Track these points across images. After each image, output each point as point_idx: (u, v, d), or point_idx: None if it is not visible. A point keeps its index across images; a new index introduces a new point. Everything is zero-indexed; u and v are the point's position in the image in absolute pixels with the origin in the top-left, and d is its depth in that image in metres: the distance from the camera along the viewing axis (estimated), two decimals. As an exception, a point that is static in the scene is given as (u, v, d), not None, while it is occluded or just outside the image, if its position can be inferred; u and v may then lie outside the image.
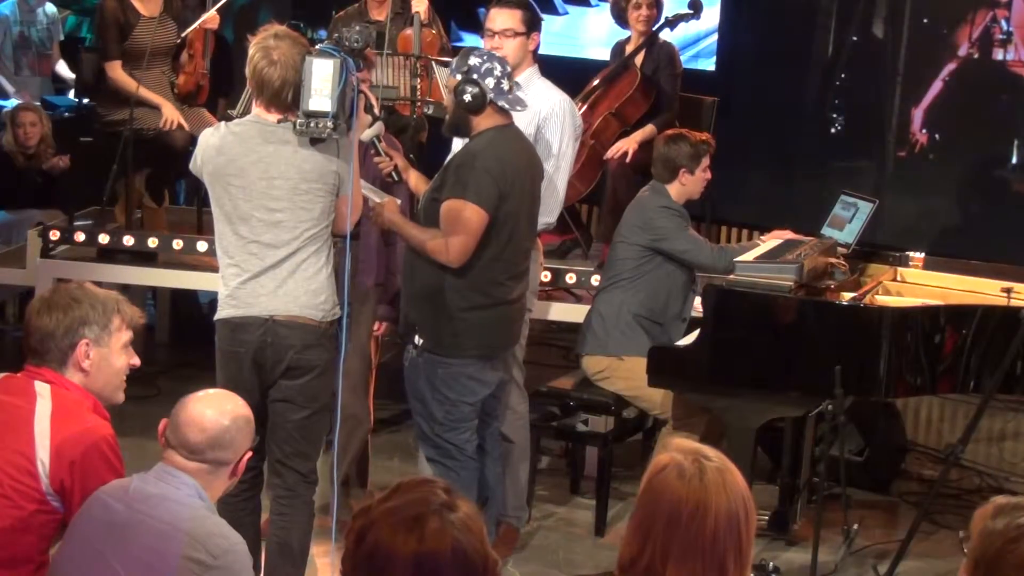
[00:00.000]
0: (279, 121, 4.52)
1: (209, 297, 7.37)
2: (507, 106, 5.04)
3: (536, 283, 5.69)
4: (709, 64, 9.26)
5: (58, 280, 6.15)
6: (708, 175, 6.08)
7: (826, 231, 6.27)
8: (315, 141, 4.48)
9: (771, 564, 4.24)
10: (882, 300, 5.75)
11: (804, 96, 9.15)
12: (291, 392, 4.57)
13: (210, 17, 7.13)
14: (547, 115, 5.60)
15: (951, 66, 8.54)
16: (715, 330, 5.47)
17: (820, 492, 5.34)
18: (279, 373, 4.55)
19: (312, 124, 4.41)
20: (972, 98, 8.52)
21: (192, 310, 8.67)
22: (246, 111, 5.01)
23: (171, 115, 6.94)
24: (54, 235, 6.91)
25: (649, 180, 6.15)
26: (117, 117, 7.03)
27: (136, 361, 3.80)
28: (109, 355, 3.70)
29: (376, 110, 4.83)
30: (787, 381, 5.42)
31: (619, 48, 7.35)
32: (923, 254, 6.32)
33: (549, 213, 5.58)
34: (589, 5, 9.65)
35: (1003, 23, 8.41)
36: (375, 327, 5.71)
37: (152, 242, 6.87)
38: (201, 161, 4.59)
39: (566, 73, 6.51)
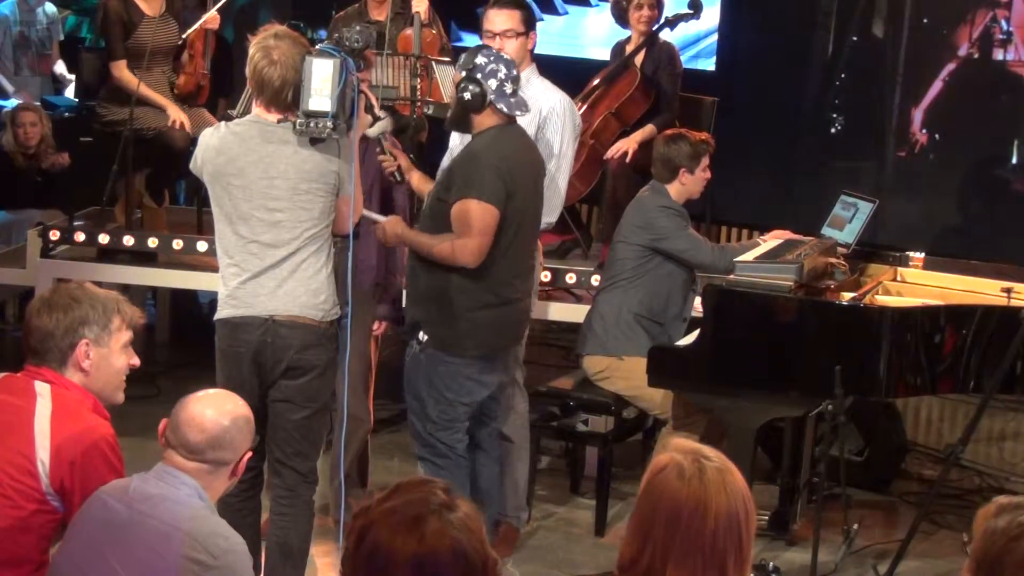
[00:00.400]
0: (279, 121, 4.51)
1: (209, 297, 7.36)
2: (507, 110, 5.02)
3: (536, 283, 5.69)
4: (709, 64, 9.26)
5: (58, 280, 6.15)
6: (708, 175, 6.08)
7: (826, 231, 6.27)
8: (315, 141, 4.48)
9: (771, 564, 4.22)
10: (882, 300, 5.75)
11: (804, 96, 9.14)
12: (291, 392, 4.57)
13: (211, 17, 7.13)
14: (547, 115, 5.60)
15: (951, 66, 8.54)
16: (715, 330, 5.47)
17: (820, 492, 5.33)
18: (279, 373, 4.55)
19: (312, 124, 4.40)
20: (972, 98, 8.51)
21: (192, 310, 8.68)
22: (246, 111, 5.00)
23: (178, 115, 6.94)
24: (54, 235, 6.90)
25: (649, 180, 6.16)
26: (117, 117, 7.03)
27: (136, 361, 3.80)
28: (109, 355, 3.71)
29: (376, 110, 4.83)
30: (787, 381, 5.41)
31: (619, 48, 7.35)
32: (923, 254, 6.31)
33: (550, 213, 5.58)
34: (589, 5, 9.65)
35: (1003, 23, 8.40)
36: (374, 327, 5.71)
37: (152, 242, 6.87)
38: (201, 161, 4.58)
39: (566, 73, 6.51)
